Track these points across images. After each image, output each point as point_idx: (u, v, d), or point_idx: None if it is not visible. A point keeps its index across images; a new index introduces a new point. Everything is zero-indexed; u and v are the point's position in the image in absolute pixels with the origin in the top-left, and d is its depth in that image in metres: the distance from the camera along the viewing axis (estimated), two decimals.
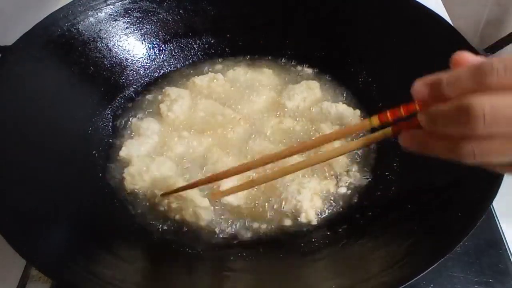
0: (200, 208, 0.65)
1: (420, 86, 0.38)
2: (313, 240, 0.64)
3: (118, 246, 0.61)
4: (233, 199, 0.68)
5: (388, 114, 0.44)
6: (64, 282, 0.54)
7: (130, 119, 0.82)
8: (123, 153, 0.74)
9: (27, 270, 0.66)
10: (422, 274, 0.47)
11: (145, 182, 0.70)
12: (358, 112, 0.81)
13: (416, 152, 0.41)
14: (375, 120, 0.46)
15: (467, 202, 0.55)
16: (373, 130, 0.48)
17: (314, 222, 0.66)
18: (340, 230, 0.65)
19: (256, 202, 0.69)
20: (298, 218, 0.66)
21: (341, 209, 0.69)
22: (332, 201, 0.70)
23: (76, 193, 0.66)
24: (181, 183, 0.67)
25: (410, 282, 0.47)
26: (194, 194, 0.66)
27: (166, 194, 0.65)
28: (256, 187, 0.68)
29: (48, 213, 0.59)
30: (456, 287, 0.63)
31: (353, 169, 0.73)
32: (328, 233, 0.65)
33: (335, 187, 0.71)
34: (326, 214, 0.68)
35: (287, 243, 0.65)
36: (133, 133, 0.79)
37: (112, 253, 0.58)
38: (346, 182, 0.72)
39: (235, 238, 0.66)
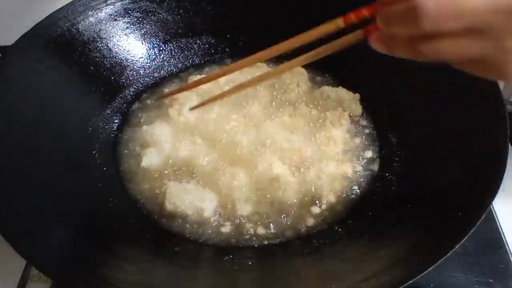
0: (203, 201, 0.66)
1: None
2: (313, 240, 0.64)
3: (118, 246, 0.61)
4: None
5: (352, 15, 0.46)
6: (64, 282, 0.54)
7: (132, 111, 0.82)
8: (144, 163, 0.72)
9: (27, 270, 0.66)
10: (422, 274, 0.47)
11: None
12: (358, 96, 0.81)
13: (386, 53, 0.43)
14: (340, 21, 0.48)
15: (467, 202, 0.55)
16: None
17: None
18: (340, 230, 0.65)
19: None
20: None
21: (341, 209, 0.69)
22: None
23: (76, 193, 0.66)
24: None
25: (410, 282, 0.47)
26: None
27: (161, 97, 0.69)
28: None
29: (48, 213, 0.59)
30: (456, 287, 0.63)
31: (353, 169, 0.73)
32: (328, 233, 0.65)
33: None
34: (326, 214, 0.68)
35: (288, 243, 0.65)
36: (148, 142, 0.75)
37: (112, 253, 0.58)
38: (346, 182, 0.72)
39: (239, 237, 0.66)
